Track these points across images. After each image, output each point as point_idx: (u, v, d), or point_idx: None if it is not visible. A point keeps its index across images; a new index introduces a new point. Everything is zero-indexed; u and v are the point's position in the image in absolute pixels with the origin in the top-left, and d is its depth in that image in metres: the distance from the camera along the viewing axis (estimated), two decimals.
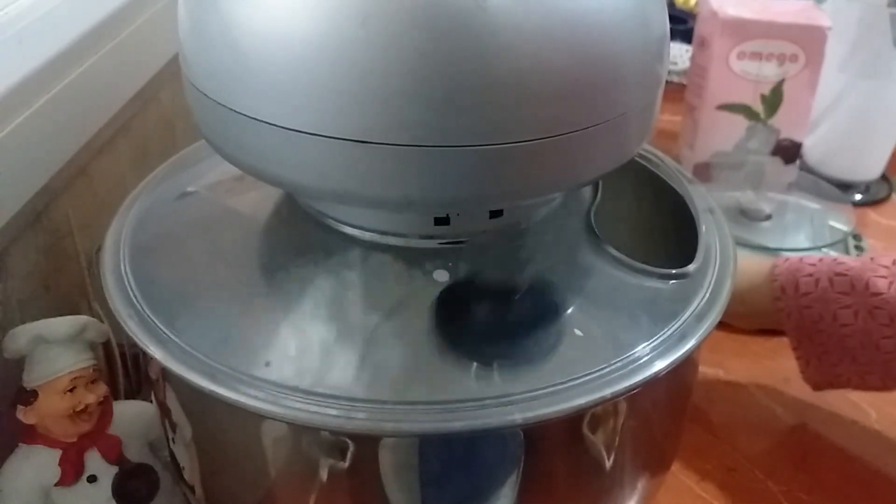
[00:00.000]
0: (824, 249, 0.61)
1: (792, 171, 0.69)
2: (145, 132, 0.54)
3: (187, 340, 0.29)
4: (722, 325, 0.32)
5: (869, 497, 0.45)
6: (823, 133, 0.73)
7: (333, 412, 0.27)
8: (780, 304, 0.46)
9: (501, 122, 0.26)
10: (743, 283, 0.46)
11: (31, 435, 0.36)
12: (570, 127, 0.28)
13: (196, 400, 0.31)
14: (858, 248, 0.62)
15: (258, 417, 0.28)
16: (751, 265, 0.49)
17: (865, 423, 0.50)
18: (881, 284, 0.42)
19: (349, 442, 0.28)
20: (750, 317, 0.49)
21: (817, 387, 0.47)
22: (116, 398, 0.40)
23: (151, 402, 0.39)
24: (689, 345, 0.30)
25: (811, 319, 0.45)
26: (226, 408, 0.28)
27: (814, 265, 0.45)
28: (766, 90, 0.65)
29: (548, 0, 0.26)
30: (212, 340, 0.29)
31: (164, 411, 0.34)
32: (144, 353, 0.30)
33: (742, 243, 0.61)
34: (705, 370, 0.53)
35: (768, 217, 0.65)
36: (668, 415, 0.35)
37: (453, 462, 0.29)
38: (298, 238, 0.34)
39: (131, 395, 0.45)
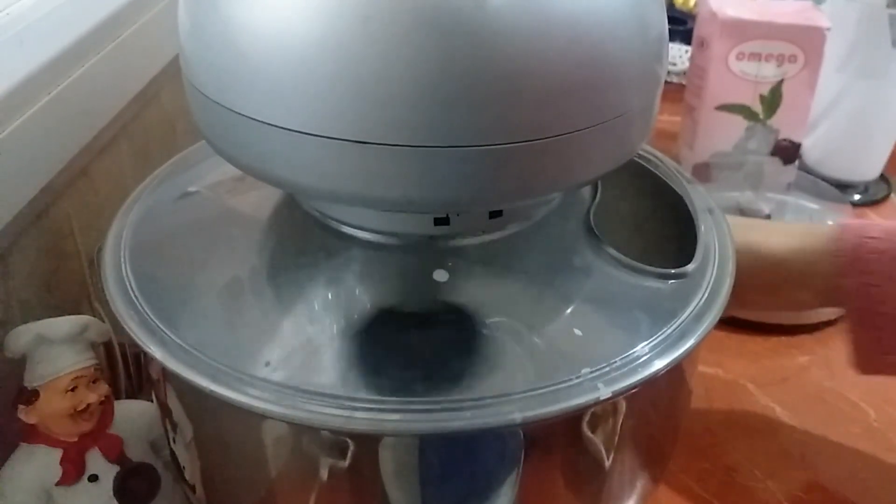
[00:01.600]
0: None
1: (791, 172, 0.69)
2: (146, 133, 0.54)
3: (187, 340, 0.29)
4: (721, 325, 0.32)
5: (868, 497, 0.45)
6: (822, 133, 0.73)
7: (333, 412, 0.27)
8: (845, 281, 0.39)
9: (501, 123, 0.26)
10: (797, 257, 0.40)
11: (32, 434, 0.36)
12: (570, 127, 0.28)
13: (196, 400, 0.31)
14: None
15: (258, 417, 0.28)
16: (798, 234, 0.42)
17: (865, 422, 0.50)
18: None
19: (349, 442, 0.28)
20: (800, 295, 0.42)
21: (864, 371, 0.42)
22: (118, 397, 0.41)
23: (152, 401, 0.39)
24: (689, 344, 0.30)
25: (877, 300, 0.39)
26: (226, 407, 0.28)
27: (881, 238, 0.39)
28: (765, 91, 0.65)
29: (547, 1, 0.26)
30: (212, 340, 0.29)
31: (165, 411, 0.34)
32: (145, 353, 0.30)
33: None
34: (705, 369, 0.53)
35: (767, 217, 0.65)
36: (668, 414, 0.35)
37: (453, 461, 0.29)
38: (299, 238, 0.34)
39: (132, 394, 0.45)
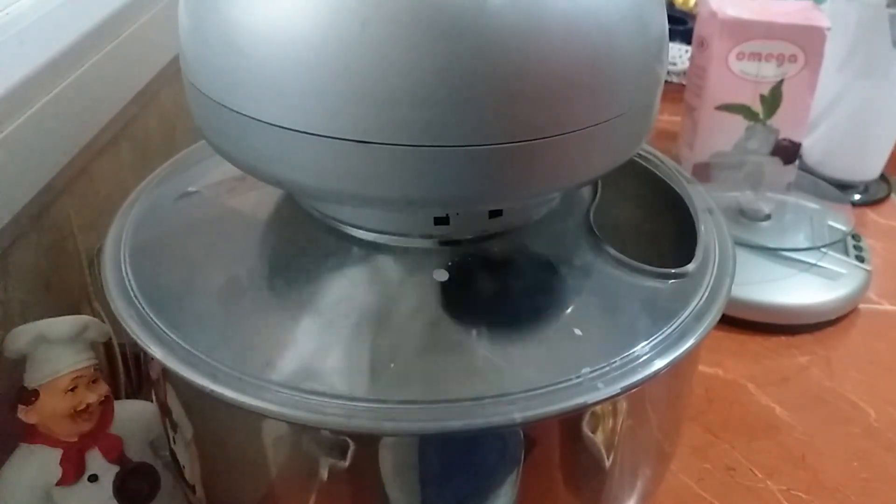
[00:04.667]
0: (823, 249, 0.61)
1: (791, 172, 0.69)
2: (146, 132, 0.54)
3: (188, 340, 0.29)
4: (721, 325, 0.32)
5: (868, 496, 0.45)
6: (822, 133, 0.73)
7: (333, 412, 0.27)
8: None
9: (501, 122, 0.26)
10: None
11: (32, 434, 0.36)
12: (570, 127, 0.28)
13: (196, 400, 0.31)
14: (857, 248, 0.62)
15: (258, 417, 0.28)
16: None
17: (864, 422, 0.50)
18: None
19: (349, 441, 0.28)
20: None
21: None
22: (117, 397, 0.41)
23: (152, 401, 0.39)
24: (689, 344, 0.30)
25: None
26: (226, 407, 0.28)
27: None
28: (766, 90, 0.65)
29: (546, 1, 0.26)
30: (212, 340, 0.29)
31: (165, 411, 0.34)
32: (145, 353, 0.30)
33: (741, 243, 0.61)
34: (704, 369, 0.53)
35: (767, 217, 0.65)
36: (668, 414, 0.35)
37: (453, 461, 0.29)
38: (298, 238, 0.34)
39: (132, 394, 0.45)
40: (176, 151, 0.42)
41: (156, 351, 0.29)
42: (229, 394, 0.27)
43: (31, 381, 0.35)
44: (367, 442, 0.28)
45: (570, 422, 0.30)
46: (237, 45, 0.27)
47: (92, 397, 0.36)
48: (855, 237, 0.64)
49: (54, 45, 0.42)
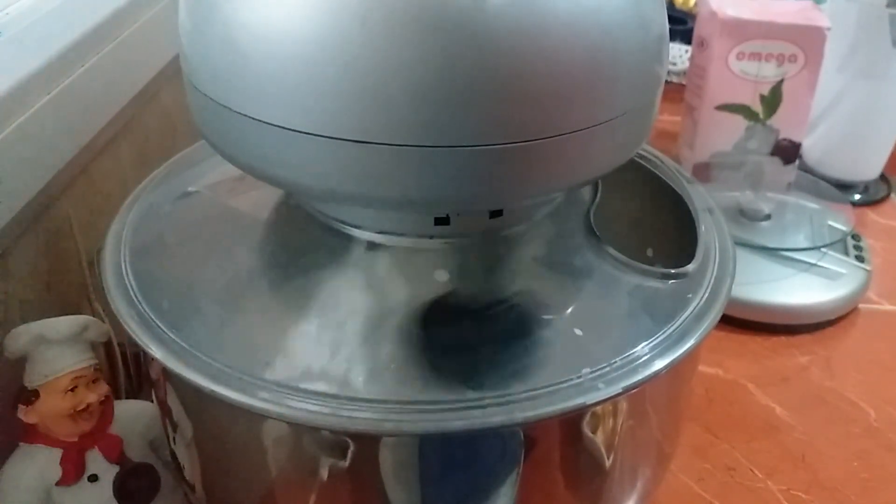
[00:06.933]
0: (823, 249, 0.61)
1: (791, 172, 0.69)
2: (146, 132, 0.54)
3: (188, 340, 0.29)
4: (721, 325, 0.32)
5: (868, 496, 0.45)
6: (822, 133, 0.73)
7: (333, 412, 0.27)
8: None
9: (501, 122, 0.26)
10: None
11: (31, 434, 0.36)
12: (570, 127, 0.28)
13: (196, 400, 0.31)
14: (857, 248, 0.62)
15: (258, 417, 0.28)
16: None
17: (865, 422, 0.50)
18: None
19: (349, 441, 0.28)
20: None
21: None
22: (117, 397, 0.41)
23: (152, 401, 0.39)
24: (689, 344, 0.30)
25: None
26: (226, 407, 0.28)
27: None
28: (766, 90, 0.65)
29: (547, 0, 0.26)
30: (212, 340, 0.29)
31: (165, 411, 0.34)
32: (145, 353, 0.30)
33: (741, 243, 0.61)
34: (705, 369, 0.53)
35: (767, 217, 0.65)
36: (668, 414, 0.35)
37: (453, 462, 0.29)
38: (298, 238, 0.34)
39: (132, 394, 0.45)
40: (176, 151, 0.42)
41: (156, 351, 0.29)
42: (229, 394, 0.27)
43: (31, 381, 0.35)
44: (367, 442, 0.28)
45: (571, 422, 0.30)
46: (237, 45, 0.27)
47: (92, 397, 0.36)
48: (855, 237, 0.64)
49: (54, 45, 0.42)
